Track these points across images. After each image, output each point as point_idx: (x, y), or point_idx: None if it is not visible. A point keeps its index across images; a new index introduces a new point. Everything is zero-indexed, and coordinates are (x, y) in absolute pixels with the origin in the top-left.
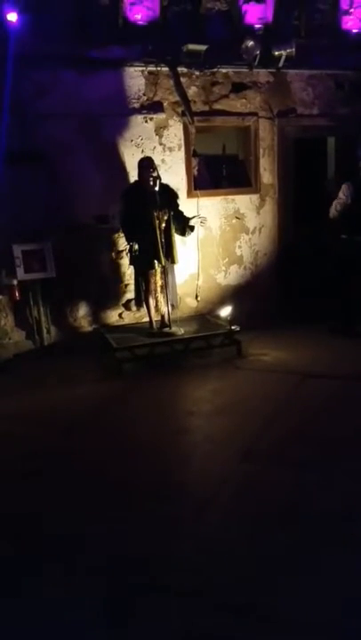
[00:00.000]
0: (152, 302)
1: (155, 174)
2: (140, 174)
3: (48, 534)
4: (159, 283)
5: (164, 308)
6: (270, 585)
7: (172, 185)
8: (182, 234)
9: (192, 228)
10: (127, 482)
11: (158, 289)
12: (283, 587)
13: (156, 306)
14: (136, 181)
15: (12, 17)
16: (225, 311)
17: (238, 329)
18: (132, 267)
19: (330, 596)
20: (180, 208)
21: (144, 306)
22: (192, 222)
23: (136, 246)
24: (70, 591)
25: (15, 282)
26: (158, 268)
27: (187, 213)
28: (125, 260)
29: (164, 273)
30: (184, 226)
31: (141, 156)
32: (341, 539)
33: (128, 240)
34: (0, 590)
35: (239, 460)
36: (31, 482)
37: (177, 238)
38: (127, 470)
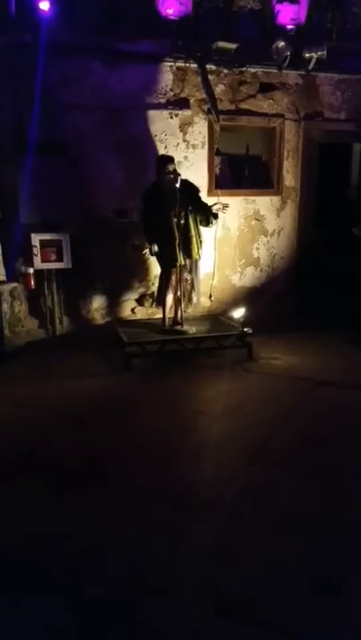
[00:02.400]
0: (169, 299)
1: (173, 171)
2: (158, 172)
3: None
4: (177, 280)
5: (181, 306)
6: (278, 597)
7: (194, 182)
8: (207, 224)
9: (216, 216)
10: (130, 478)
11: (177, 287)
12: (295, 606)
13: (174, 303)
14: (155, 182)
15: (45, 5)
16: (238, 312)
17: (251, 331)
18: (151, 263)
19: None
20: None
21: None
22: (214, 209)
23: (155, 248)
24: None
25: (31, 270)
26: (178, 266)
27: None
28: (141, 256)
29: (184, 270)
30: (208, 216)
31: (164, 152)
32: (347, 550)
33: (148, 242)
34: None
35: (246, 462)
36: (29, 469)
37: (201, 234)
38: (131, 467)
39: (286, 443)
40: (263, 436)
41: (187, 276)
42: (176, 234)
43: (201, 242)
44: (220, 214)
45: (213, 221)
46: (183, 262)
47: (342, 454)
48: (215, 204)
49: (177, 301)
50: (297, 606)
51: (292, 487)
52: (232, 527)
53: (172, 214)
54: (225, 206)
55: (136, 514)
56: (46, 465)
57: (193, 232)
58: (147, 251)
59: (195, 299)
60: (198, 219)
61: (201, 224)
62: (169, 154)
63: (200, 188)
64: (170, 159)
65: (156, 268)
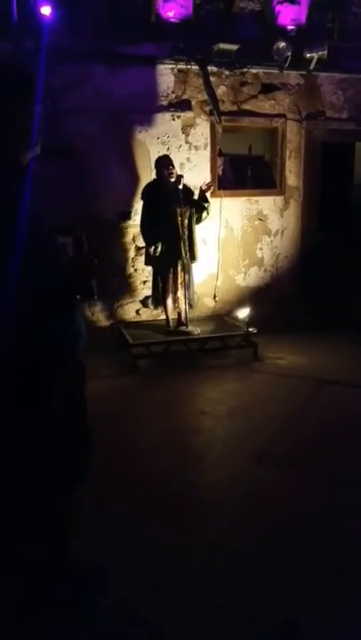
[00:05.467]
0: (170, 300)
1: (174, 172)
2: (159, 173)
3: None
4: (180, 280)
5: (182, 306)
6: (285, 596)
7: (197, 183)
8: (199, 219)
9: (206, 203)
10: (136, 480)
11: (178, 286)
12: (299, 601)
13: (175, 303)
14: (154, 180)
15: (46, 10)
16: (243, 313)
17: (255, 331)
18: (149, 265)
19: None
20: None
21: (161, 304)
22: (197, 194)
23: (160, 247)
24: None
25: None
26: (179, 266)
27: (211, 212)
28: (145, 258)
29: (184, 270)
30: (199, 207)
31: (167, 153)
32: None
33: (149, 242)
34: None
35: (252, 463)
36: None
37: (197, 236)
38: (136, 468)
39: (294, 444)
40: (270, 437)
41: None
42: (181, 233)
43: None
44: (222, 213)
45: (204, 213)
46: (186, 262)
47: (352, 455)
48: (201, 190)
49: (180, 302)
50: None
51: (300, 489)
52: (236, 533)
53: (177, 213)
54: (209, 186)
55: (140, 512)
56: None
57: (195, 234)
58: (150, 250)
59: (190, 301)
60: (194, 218)
61: (197, 221)
62: (172, 155)
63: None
64: (169, 160)
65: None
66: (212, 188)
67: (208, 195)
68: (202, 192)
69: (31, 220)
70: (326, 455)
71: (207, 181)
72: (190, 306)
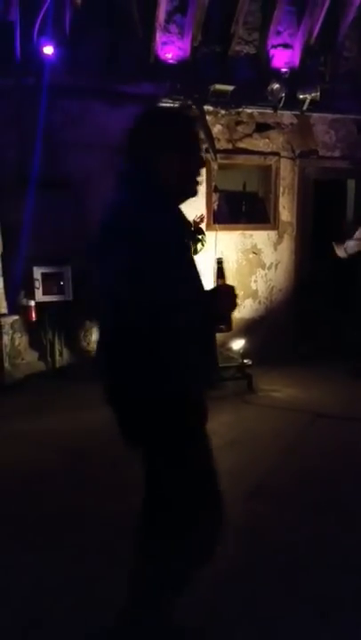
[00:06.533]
0: None
1: None
2: None
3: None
4: None
5: None
6: None
7: (193, 218)
8: (195, 250)
9: (201, 234)
10: (127, 513)
11: None
12: None
13: None
14: None
15: (49, 50)
16: (237, 344)
17: (250, 363)
18: None
19: None
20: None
21: None
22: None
23: None
24: None
25: (32, 303)
26: None
27: (206, 244)
28: None
29: None
30: (194, 239)
31: None
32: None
33: None
34: None
35: (246, 499)
36: (32, 502)
37: None
38: (126, 502)
39: (288, 478)
40: (264, 471)
41: None
42: None
43: None
44: (218, 246)
45: (201, 240)
46: None
47: (347, 489)
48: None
49: None
50: None
51: (295, 526)
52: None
53: None
54: (202, 218)
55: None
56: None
57: None
58: None
59: None
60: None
61: (194, 253)
62: None
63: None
64: None
65: None
66: (205, 220)
67: (203, 226)
68: (196, 225)
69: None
70: (323, 489)
71: (199, 214)
72: None
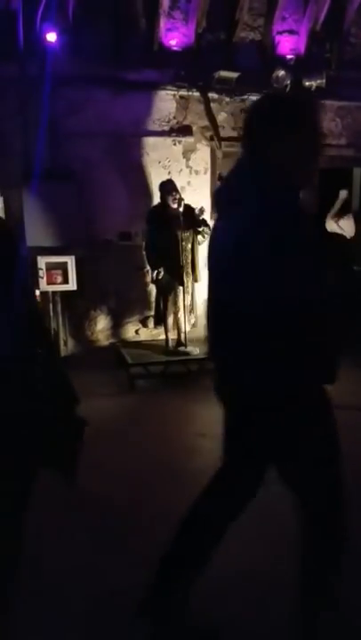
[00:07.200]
0: (170, 321)
1: (178, 196)
2: (162, 197)
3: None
4: (180, 303)
5: (182, 327)
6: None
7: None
8: (200, 240)
9: (205, 226)
10: (133, 502)
11: (179, 309)
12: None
13: (175, 325)
14: (159, 204)
15: (52, 37)
16: None
17: None
18: (152, 285)
19: None
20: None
21: (162, 324)
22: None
23: (162, 273)
24: None
25: (37, 292)
26: (181, 288)
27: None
28: (145, 278)
29: (185, 293)
30: (198, 229)
31: (168, 177)
32: None
33: (153, 267)
34: None
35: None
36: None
37: (200, 259)
38: (133, 491)
39: None
40: None
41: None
42: (182, 257)
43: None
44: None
45: (204, 232)
46: (187, 285)
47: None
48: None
49: (180, 323)
50: None
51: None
52: (232, 554)
53: (178, 237)
54: (202, 211)
55: (137, 537)
56: None
57: (197, 256)
58: (154, 274)
59: (193, 320)
60: (198, 238)
61: (200, 243)
62: (172, 179)
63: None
64: (172, 185)
65: None
66: (204, 211)
67: (208, 217)
68: (197, 217)
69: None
70: None
71: (200, 207)
72: (193, 326)
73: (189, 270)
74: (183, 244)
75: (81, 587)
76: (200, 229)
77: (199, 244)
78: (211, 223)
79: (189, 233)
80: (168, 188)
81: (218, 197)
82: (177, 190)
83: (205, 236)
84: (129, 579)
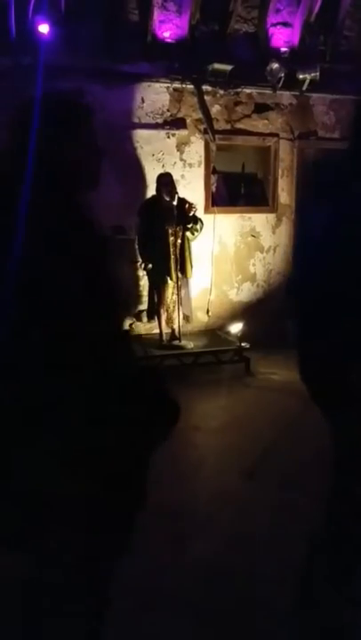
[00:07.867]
0: (163, 315)
1: (172, 190)
2: (158, 190)
3: None
4: (172, 297)
5: (175, 322)
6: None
7: (191, 200)
8: (191, 235)
9: (195, 223)
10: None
11: (171, 303)
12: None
13: (168, 319)
14: (153, 196)
15: (44, 29)
16: (235, 327)
17: (248, 346)
18: (147, 279)
19: None
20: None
21: (155, 318)
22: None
23: (150, 265)
24: None
25: None
26: (171, 283)
27: (204, 229)
28: (139, 272)
29: (178, 287)
30: (191, 224)
31: (161, 170)
32: None
33: (143, 260)
34: None
35: (243, 480)
36: None
37: (191, 253)
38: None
39: (285, 459)
40: (262, 453)
41: (179, 291)
42: (172, 251)
43: (192, 260)
44: (216, 230)
45: (194, 230)
46: (178, 279)
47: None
48: (189, 207)
49: (173, 317)
50: None
51: (292, 508)
52: (224, 547)
53: (169, 232)
54: (191, 205)
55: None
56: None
57: (187, 251)
58: (142, 266)
59: (187, 314)
60: (191, 234)
61: (193, 240)
62: (170, 173)
63: (197, 205)
64: (168, 179)
65: None
66: (195, 209)
67: (199, 213)
68: (187, 212)
69: None
70: (317, 473)
71: (192, 204)
72: (187, 320)
73: (178, 265)
74: (172, 238)
75: None
76: (189, 226)
77: (193, 236)
78: (203, 218)
79: (179, 228)
80: (162, 181)
81: (318, 179)
82: (172, 184)
83: (195, 233)
84: (120, 569)
